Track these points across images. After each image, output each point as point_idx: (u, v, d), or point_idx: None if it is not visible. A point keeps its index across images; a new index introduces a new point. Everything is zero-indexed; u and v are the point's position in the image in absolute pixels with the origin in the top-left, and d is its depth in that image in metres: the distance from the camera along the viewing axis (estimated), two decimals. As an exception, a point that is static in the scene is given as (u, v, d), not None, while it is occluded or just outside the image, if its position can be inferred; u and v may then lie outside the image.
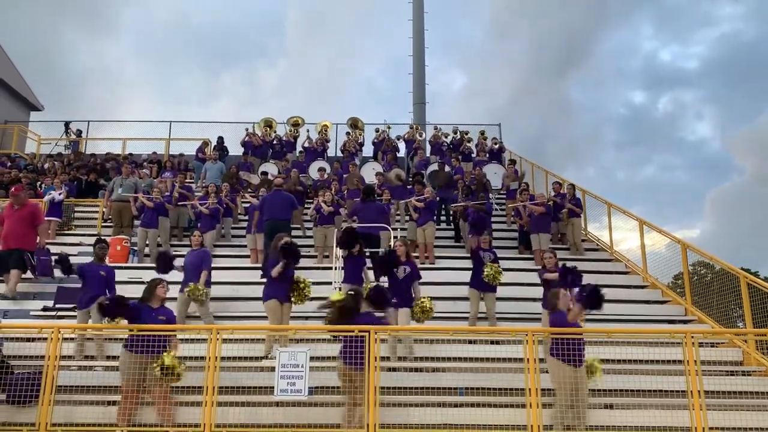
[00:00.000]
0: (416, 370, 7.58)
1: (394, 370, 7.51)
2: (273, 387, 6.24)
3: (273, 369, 6.39)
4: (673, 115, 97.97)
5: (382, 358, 7.78)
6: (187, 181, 15.28)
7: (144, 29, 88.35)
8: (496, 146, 19.55)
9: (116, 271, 9.03)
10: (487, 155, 18.81)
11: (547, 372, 6.66)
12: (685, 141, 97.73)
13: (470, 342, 8.03)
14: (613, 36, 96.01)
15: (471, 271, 9.26)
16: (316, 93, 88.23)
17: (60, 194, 13.37)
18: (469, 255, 12.05)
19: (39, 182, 16.25)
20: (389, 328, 7.29)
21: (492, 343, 8.04)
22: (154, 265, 8.78)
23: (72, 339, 7.81)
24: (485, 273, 8.82)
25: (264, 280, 8.31)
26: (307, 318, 9.12)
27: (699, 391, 6.18)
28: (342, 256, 9.05)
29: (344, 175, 15.57)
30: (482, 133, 20.52)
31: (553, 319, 6.92)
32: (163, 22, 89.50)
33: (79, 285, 8.52)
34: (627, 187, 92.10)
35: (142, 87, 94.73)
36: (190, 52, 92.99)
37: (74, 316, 9.06)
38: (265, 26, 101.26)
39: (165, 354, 6.33)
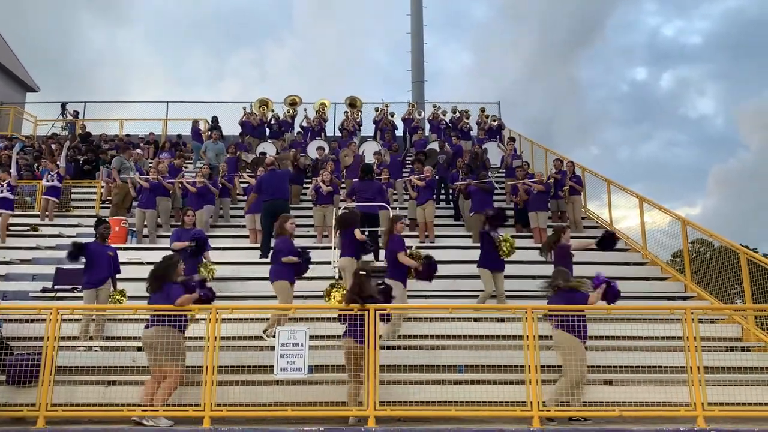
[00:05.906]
0: (416, 347, 7.58)
1: (395, 348, 7.51)
2: (273, 366, 6.25)
3: (273, 348, 6.39)
4: (676, 92, 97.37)
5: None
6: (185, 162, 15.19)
7: (154, 12, 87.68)
8: (495, 123, 19.38)
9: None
10: (486, 134, 18.66)
11: (546, 349, 6.66)
12: (688, 117, 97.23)
13: (470, 320, 8.03)
14: (618, 13, 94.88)
15: (480, 251, 9.04)
16: (321, 72, 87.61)
17: (56, 173, 13.36)
18: (468, 234, 12.10)
19: (36, 165, 16.17)
20: (390, 307, 7.24)
21: (491, 320, 8.05)
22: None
23: (72, 320, 7.78)
24: (503, 246, 8.70)
25: (262, 260, 8.28)
26: (306, 297, 9.12)
27: (698, 367, 6.19)
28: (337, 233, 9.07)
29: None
30: (483, 110, 20.30)
31: (570, 297, 6.71)
32: (174, 3, 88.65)
33: (80, 266, 8.47)
34: (629, 164, 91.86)
35: (152, 70, 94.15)
36: (200, 34, 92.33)
37: (73, 297, 9.06)
38: (273, 6, 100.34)
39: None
